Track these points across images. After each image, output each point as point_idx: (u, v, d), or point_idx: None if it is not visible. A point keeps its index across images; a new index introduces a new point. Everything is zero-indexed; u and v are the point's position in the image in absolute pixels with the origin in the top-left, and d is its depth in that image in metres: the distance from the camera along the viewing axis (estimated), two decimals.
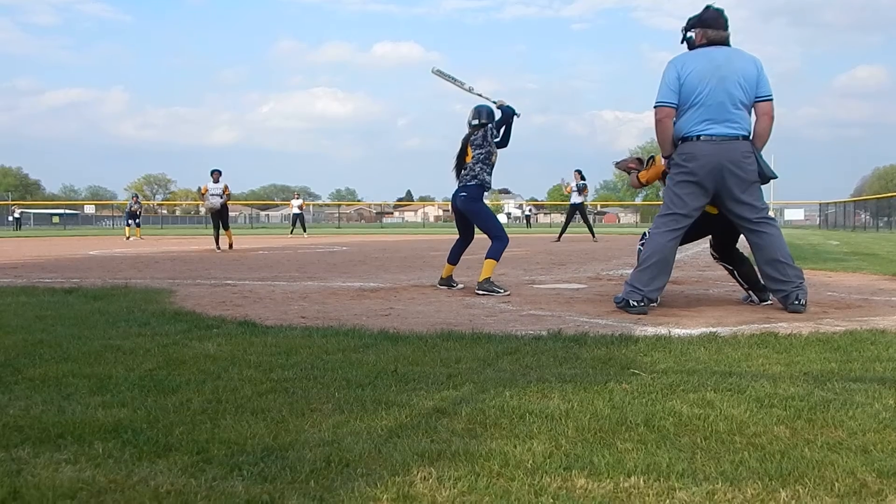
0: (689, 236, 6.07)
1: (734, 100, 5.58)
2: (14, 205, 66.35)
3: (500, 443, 2.41)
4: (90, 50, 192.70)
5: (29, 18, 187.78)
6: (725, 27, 5.74)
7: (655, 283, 5.65)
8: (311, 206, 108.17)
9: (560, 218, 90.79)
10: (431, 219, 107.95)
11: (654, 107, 5.70)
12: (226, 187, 18.06)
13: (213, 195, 17.87)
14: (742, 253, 6.41)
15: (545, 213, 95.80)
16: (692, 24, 5.79)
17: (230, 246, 17.96)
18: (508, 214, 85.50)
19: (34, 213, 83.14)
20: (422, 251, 16.73)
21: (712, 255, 6.63)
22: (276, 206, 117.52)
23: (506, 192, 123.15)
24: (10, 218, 61.21)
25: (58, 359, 3.78)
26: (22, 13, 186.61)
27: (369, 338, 4.38)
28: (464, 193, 7.55)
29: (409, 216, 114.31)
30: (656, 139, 5.88)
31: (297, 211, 35.01)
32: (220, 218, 18.18)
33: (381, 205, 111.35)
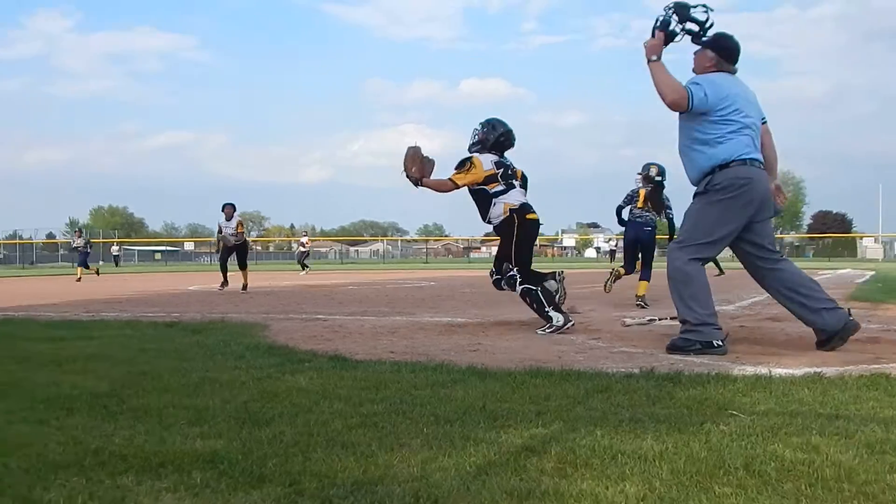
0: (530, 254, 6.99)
1: (760, 124, 5.51)
2: (113, 242, 68.89)
3: (591, 483, 2.37)
4: (191, 95, 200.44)
5: (136, 66, 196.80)
6: (735, 63, 5.59)
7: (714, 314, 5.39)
8: (398, 242, 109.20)
9: None
10: None
11: (685, 89, 5.29)
12: (240, 224, 16.11)
13: (228, 234, 16.02)
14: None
15: None
16: (714, 46, 5.53)
17: (244, 287, 15.47)
18: (598, 249, 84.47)
19: (138, 251, 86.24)
20: None
21: (493, 274, 7.32)
22: (365, 241, 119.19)
23: (594, 226, 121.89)
24: (112, 254, 63.59)
25: (159, 390, 3.91)
26: (131, 62, 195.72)
27: (457, 373, 4.38)
28: (648, 228, 10.18)
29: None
30: (659, 84, 5.33)
31: (303, 249, 34.68)
32: (237, 255, 16.24)
33: (468, 240, 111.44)
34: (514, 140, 7.40)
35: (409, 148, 7.05)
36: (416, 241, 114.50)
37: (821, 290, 5.49)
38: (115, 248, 65.19)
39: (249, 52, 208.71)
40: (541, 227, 7.56)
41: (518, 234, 7.09)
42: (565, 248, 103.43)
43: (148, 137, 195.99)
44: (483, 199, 7.17)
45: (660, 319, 7.48)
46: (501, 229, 7.16)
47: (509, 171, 7.20)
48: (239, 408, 3.48)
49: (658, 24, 5.51)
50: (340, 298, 12.63)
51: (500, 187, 7.09)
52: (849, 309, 5.55)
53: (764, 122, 5.60)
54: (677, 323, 5.65)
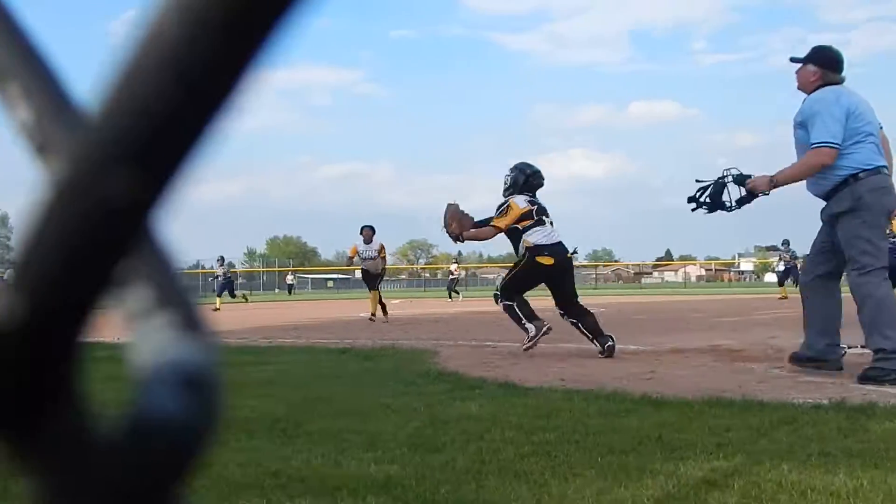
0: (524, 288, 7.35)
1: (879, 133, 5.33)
2: (288, 271, 72.06)
3: None
4: (360, 126, 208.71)
5: (308, 101, 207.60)
6: (842, 71, 5.45)
7: None
8: None
9: None
10: (693, 279, 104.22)
11: (822, 146, 5.10)
12: (381, 248, 14.54)
13: (366, 258, 14.39)
14: (583, 306, 7.29)
15: None
16: (815, 59, 5.43)
17: (377, 314, 14.21)
18: (778, 272, 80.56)
19: (311, 279, 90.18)
20: (683, 312, 16.15)
21: (560, 313, 7.24)
22: None
23: (774, 248, 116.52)
24: (287, 283, 66.56)
25: (334, 414, 4.03)
26: (304, 97, 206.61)
27: (631, 402, 4.26)
28: None
29: (668, 276, 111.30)
30: (794, 175, 5.37)
31: (453, 276, 34.54)
32: (371, 280, 14.60)
33: (639, 265, 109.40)
34: (543, 179, 7.93)
35: (449, 205, 7.49)
36: (584, 266, 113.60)
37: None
38: (289, 278, 68.21)
39: (415, 82, 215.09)
40: (568, 263, 7.80)
41: (522, 269, 7.54)
42: (743, 272, 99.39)
43: (319, 168, 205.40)
44: (515, 236, 7.52)
45: (849, 347, 7.00)
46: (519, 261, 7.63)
47: (541, 209, 7.55)
48: (411, 433, 3.52)
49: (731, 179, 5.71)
50: (509, 325, 12.61)
51: (530, 223, 7.40)
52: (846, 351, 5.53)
53: (881, 129, 5.41)
54: (868, 351, 5.27)
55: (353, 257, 14.70)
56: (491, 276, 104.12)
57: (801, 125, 5.33)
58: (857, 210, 5.13)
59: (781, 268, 26.20)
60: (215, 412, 0.19)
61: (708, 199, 5.75)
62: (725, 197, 5.70)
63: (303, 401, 4.50)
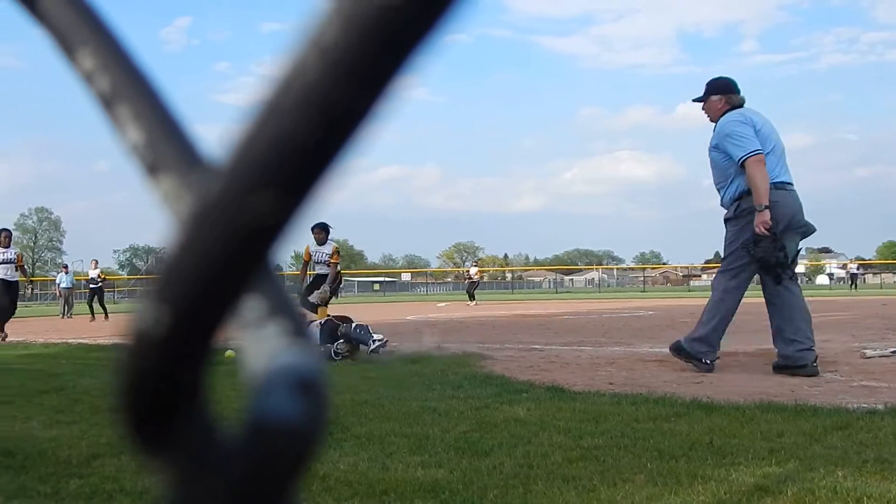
0: None
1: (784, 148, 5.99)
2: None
3: None
4: (405, 130, 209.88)
5: None
6: (740, 91, 6.15)
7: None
8: (614, 270, 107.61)
9: (893, 278, 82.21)
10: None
11: (750, 155, 5.68)
12: (335, 252, 10.61)
13: (317, 262, 10.61)
14: None
15: (874, 273, 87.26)
16: (715, 90, 6.14)
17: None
18: (830, 275, 79.15)
19: (358, 282, 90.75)
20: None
21: None
22: (580, 270, 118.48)
23: (826, 251, 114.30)
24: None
25: (380, 418, 4.04)
26: None
27: (681, 406, 4.20)
28: None
29: None
30: (761, 186, 5.68)
31: (472, 280, 33.37)
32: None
33: (687, 267, 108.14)
34: None
35: None
36: (632, 269, 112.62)
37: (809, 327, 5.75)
38: None
39: (461, 85, 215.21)
40: None
41: None
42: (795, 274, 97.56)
43: (366, 172, 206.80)
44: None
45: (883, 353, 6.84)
46: None
47: None
48: (458, 437, 3.52)
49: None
50: (556, 328, 12.57)
51: None
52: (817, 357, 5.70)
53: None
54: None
55: (308, 262, 10.80)
56: (537, 279, 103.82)
57: (716, 148, 6.00)
58: (737, 218, 5.90)
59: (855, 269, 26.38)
60: (326, 414, 0.21)
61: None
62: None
63: (350, 404, 4.53)
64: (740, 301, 6.16)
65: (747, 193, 5.77)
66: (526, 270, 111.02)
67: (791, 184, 5.91)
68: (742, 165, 5.72)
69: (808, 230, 5.99)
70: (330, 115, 0.18)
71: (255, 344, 0.21)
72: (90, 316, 20.42)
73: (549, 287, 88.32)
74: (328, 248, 10.66)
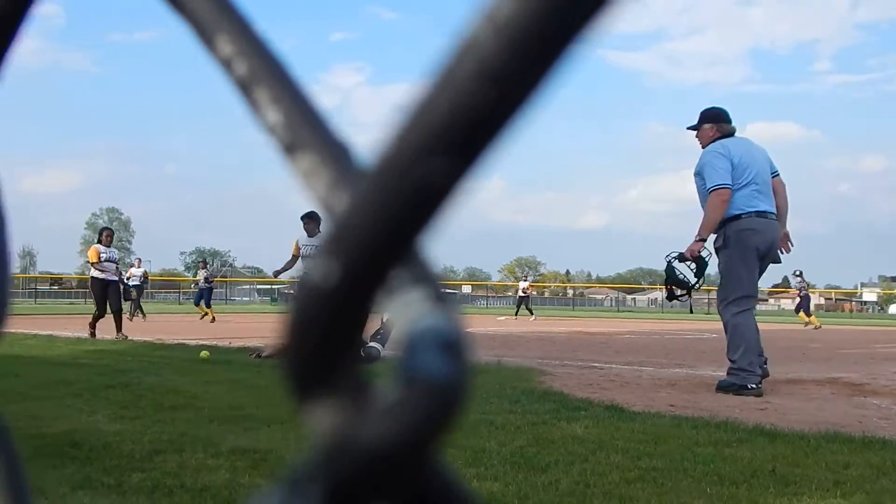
0: None
1: (769, 178, 6.20)
2: None
3: None
4: None
5: None
6: (731, 121, 6.43)
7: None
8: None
9: None
10: (811, 307, 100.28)
11: (715, 188, 6.01)
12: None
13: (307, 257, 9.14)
14: None
15: None
16: (707, 119, 6.41)
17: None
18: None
19: None
20: (801, 342, 15.52)
21: None
22: (643, 289, 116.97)
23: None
24: None
25: None
26: None
27: (743, 432, 4.12)
28: None
29: (785, 303, 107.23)
30: (709, 219, 6.10)
31: (522, 294, 32.61)
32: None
33: None
34: None
35: None
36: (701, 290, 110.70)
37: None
38: None
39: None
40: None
41: None
42: (865, 303, 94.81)
43: None
44: None
45: None
46: None
47: None
48: (514, 452, 3.50)
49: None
50: (617, 347, 12.44)
51: None
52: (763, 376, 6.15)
53: (776, 175, 6.38)
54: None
55: (296, 256, 9.72)
56: (599, 297, 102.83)
57: (698, 174, 6.33)
58: (726, 247, 6.14)
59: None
60: (470, 373, 0.22)
61: (671, 287, 6.56)
62: (683, 276, 6.48)
63: None
64: (754, 319, 6.27)
65: (730, 220, 6.07)
66: (588, 287, 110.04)
67: (773, 212, 6.17)
68: (711, 192, 6.09)
69: (777, 259, 6.36)
70: (503, 84, 0.20)
71: (402, 308, 0.22)
72: (128, 315, 20.54)
73: (611, 305, 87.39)
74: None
